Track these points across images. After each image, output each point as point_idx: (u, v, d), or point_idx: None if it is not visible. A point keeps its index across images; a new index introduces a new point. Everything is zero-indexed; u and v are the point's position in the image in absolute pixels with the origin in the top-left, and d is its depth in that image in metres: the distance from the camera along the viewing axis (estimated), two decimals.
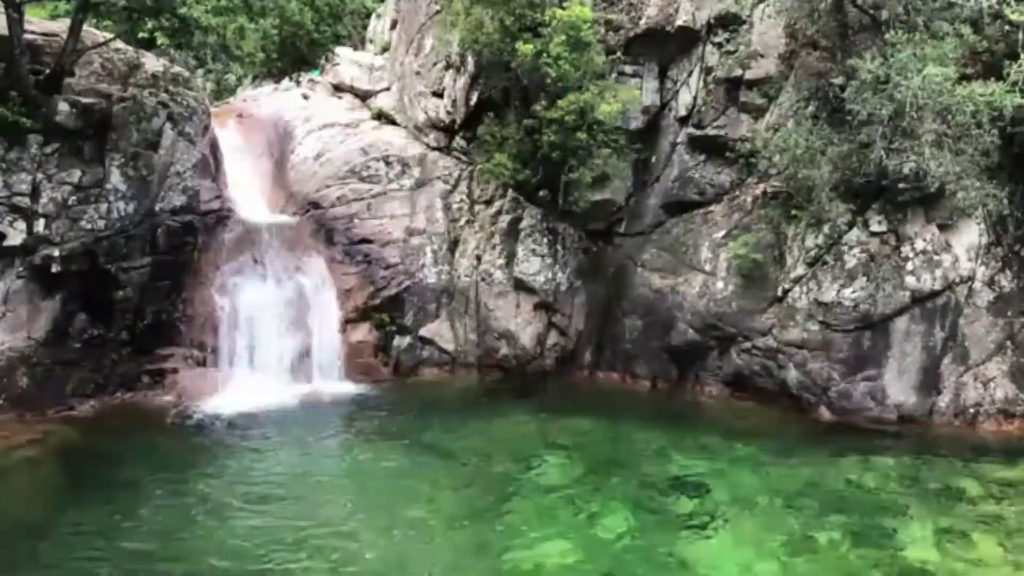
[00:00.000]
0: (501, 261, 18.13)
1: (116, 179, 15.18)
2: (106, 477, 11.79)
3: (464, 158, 19.49)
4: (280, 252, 17.31)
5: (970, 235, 15.46)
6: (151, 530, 10.24)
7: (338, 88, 23.47)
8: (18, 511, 10.83)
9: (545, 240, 18.05)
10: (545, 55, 16.24)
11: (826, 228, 15.59)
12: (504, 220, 18.35)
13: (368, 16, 27.21)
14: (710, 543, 10.34)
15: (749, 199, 17.08)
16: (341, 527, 10.58)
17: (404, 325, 17.84)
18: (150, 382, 15.52)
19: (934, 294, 15.17)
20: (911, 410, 15.03)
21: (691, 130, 17.63)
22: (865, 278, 15.27)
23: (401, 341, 17.79)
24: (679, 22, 17.19)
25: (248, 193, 19.02)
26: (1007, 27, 14.57)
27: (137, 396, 15.26)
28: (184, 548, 9.85)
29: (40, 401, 14.12)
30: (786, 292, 16.00)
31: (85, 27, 14.85)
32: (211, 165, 17.44)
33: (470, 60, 18.46)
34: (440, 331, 18.05)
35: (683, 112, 17.81)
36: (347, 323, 17.35)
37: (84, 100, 14.76)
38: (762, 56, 16.79)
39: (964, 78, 13.81)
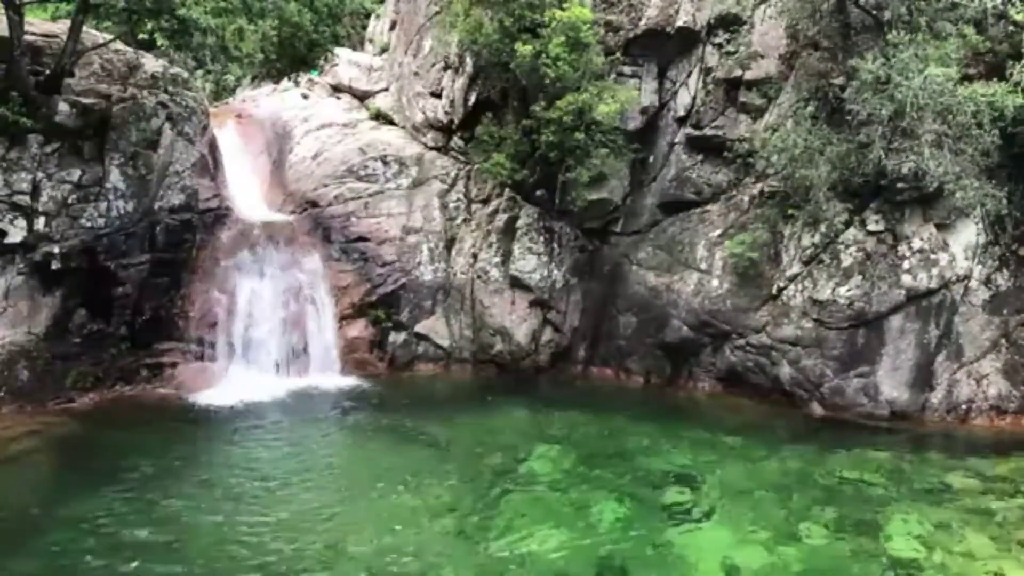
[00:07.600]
0: (497, 259, 18.18)
1: (115, 178, 15.35)
2: (105, 468, 11.88)
3: (462, 158, 19.57)
4: (278, 250, 17.40)
5: (968, 234, 15.46)
6: (149, 519, 10.32)
7: (337, 88, 23.60)
8: (18, 501, 10.87)
9: (541, 238, 18.10)
10: (544, 56, 16.31)
11: (823, 227, 15.65)
12: (501, 219, 18.41)
13: (368, 16, 27.34)
14: (699, 534, 10.39)
15: (746, 199, 17.10)
16: (335, 517, 10.65)
17: (400, 321, 17.92)
18: (149, 376, 15.66)
19: (930, 292, 15.17)
20: (904, 406, 15.04)
21: (689, 130, 17.67)
22: (861, 276, 15.29)
23: (397, 337, 17.86)
24: (679, 23, 17.23)
25: (246, 192, 19.14)
26: (1011, 28, 14.57)
27: (136, 389, 15.40)
28: (181, 537, 9.92)
29: (40, 394, 14.28)
30: (781, 290, 16.04)
31: (85, 28, 15.00)
32: (210, 164, 17.58)
33: (469, 61, 18.55)
34: (436, 327, 18.12)
35: (681, 112, 17.85)
36: (343, 319, 17.45)
37: (84, 100, 14.93)
38: (762, 57, 16.81)
39: (967, 78, 13.81)
